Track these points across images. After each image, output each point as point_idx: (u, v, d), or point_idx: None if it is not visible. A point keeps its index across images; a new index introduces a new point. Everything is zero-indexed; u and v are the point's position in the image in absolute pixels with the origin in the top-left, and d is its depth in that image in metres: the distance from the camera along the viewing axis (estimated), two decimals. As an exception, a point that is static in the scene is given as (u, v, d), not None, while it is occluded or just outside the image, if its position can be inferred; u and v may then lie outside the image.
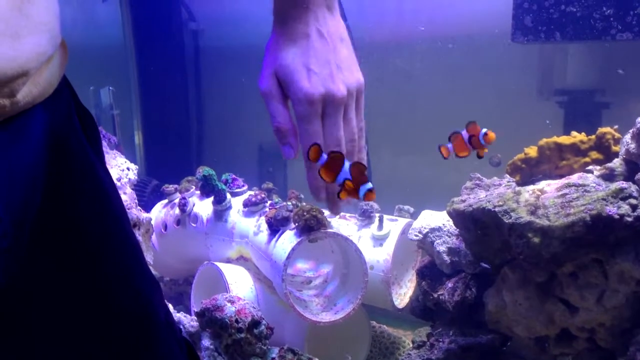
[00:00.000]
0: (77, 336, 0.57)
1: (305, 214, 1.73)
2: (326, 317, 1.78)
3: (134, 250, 0.64)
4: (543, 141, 1.59)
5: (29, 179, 0.51)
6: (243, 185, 2.13)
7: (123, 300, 0.61)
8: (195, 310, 1.73)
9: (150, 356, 0.63)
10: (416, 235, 1.81)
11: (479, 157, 1.27)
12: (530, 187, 1.54)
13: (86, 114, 0.64)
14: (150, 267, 2.13)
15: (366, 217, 1.97)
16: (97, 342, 0.59)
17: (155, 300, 0.65)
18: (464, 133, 1.25)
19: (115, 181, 1.79)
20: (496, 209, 1.48)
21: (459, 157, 1.26)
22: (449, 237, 1.76)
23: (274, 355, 1.66)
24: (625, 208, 1.36)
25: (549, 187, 1.51)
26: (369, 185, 0.84)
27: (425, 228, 1.80)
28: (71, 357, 0.57)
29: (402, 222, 1.95)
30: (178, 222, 2.15)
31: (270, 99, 0.69)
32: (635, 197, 1.38)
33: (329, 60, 0.68)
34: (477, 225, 1.55)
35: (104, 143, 1.91)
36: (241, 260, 2.01)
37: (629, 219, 1.35)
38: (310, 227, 1.73)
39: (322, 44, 0.69)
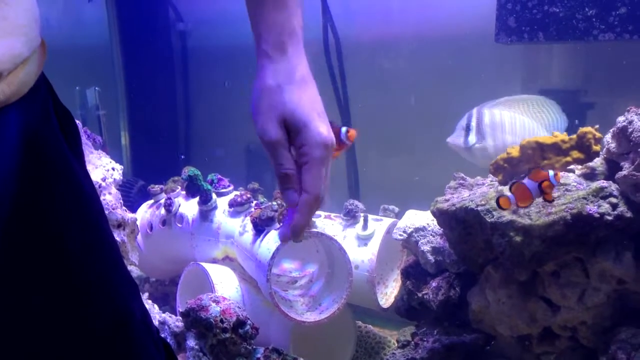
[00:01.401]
0: (53, 338, 0.57)
1: (289, 213, 1.73)
2: (311, 316, 1.78)
3: (111, 252, 0.64)
4: (525, 141, 1.60)
5: (2, 178, 0.51)
6: (229, 186, 2.13)
7: (99, 301, 0.60)
8: (181, 310, 1.73)
9: (127, 358, 0.63)
10: (401, 235, 1.81)
11: (548, 200, 1.36)
12: (513, 187, 1.55)
13: (65, 113, 0.63)
14: (136, 268, 2.13)
15: (351, 216, 1.98)
16: (73, 344, 0.58)
17: (132, 302, 0.65)
18: (528, 182, 1.32)
19: (100, 181, 1.78)
20: (479, 208, 1.49)
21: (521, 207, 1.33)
22: (433, 236, 1.76)
23: (259, 355, 1.66)
24: (605, 207, 1.37)
25: (531, 186, 1.52)
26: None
27: (409, 228, 1.80)
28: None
29: (387, 221, 1.96)
30: (164, 222, 2.15)
31: (279, 147, 0.68)
32: (615, 196, 1.39)
33: (321, 103, 0.70)
34: (461, 224, 1.56)
35: (89, 143, 1.91)
36: (227, 260, 2.01)
37: (609, 218, 1.36)
38: (295, 227, 1.72)
39: (314, 86, 0.70)
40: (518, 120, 1.85)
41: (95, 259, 0.61)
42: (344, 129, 0.98)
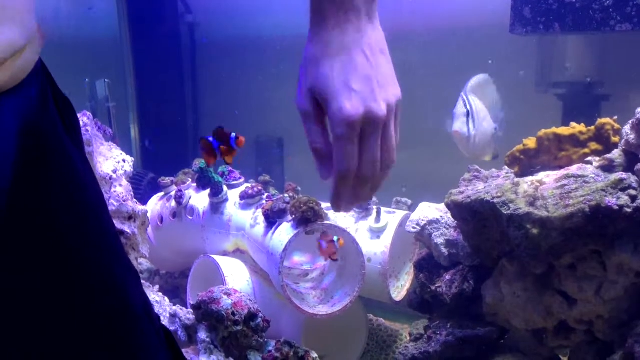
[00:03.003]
0: (52, 325, 0.56)
1: (302, 206, 1.71)
2: (323, 309, 1.77)
3: (111, 240, 0.63)
4: (542, 132, 1.58)
5: None
6: (240, 178, 2.12)
7: (98, 291, 0.60)
8: (192, 303, 1.72)
9: (127, 347, 0.63)
10: (414, 228, 1.80)
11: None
12: (529, 179, 1.53)
13: (65, 101, 0.63)
14: (146, 260, 2.12)
15: (364, 209, 1.96)
16: (72, 334, 0.58)
17: (132, 291, 0.64)
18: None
19: (110, 173, 1.77)
20: (494, 200, 1.47)
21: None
22: (447, 229, 1.75)
23: (270, 348, 1.65)
24: (624, 199, 1.35)
25: (548, 178, 1.50)
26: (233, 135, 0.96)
27: (423, 220, 1.79)
28: (45, 351, 0.56)
29: (400, 214, 1.94)
30: (174, 214, 2.14)
31: (307, 119, 0.66)
32: (634, 188, 1.37)
33: (370, 77, 0.65)
34: (476, 217, 1.54)
35: (100, 135, 1.90)
36: (238, 253, 2.00)
37: (628, 210, 1.34)
38: (307, 219, 1.71)
39: (363, 58, 0.66)
40: (483, 108, 1.81)
41: (94, 246, 0.60)
42: (233, 134, 0.94)
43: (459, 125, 1.72)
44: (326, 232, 1.63)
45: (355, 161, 0.65)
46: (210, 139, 1.19)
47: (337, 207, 0.69)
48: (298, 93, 0.66)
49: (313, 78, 0.65)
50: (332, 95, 0.64)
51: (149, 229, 2.02)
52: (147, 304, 0.67)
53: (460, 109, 1.74)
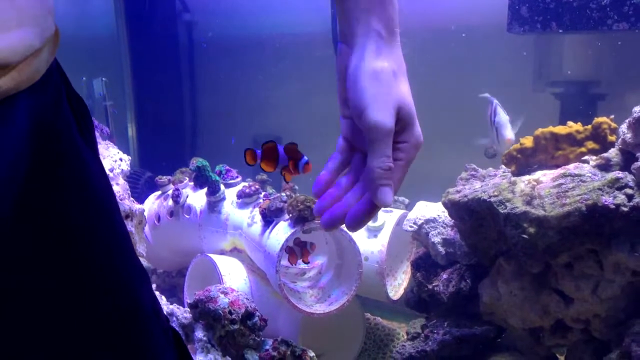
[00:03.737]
0: (61, 325, 0.56)
1: (299, 204, 1.71)
2: (320, 308, 1.77)
3: (121, 239, 0.63)
4: (539, 131, 1.58)
5: (10, 163, 0.50)
6: (237, 177, 2.12)
7: (108, 289, 0.60)
8: (189, 301, 1.72)
9: (136, 347, 0.62)
10: (411, 227, 1.80)
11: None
12: (526, 177, 1.53)
13: (79, 102, 0.62)
14: (144, 259, 2.12)
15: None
16: (81, 333, 0.57)
17: (142, 291, 0.64)
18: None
19: (107, 172, 1.77)
20: (491, 199, 1.47)
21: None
22: (444, 228, 1.75)
23: (267, 347, 1.65)
24: (621, 198, 1.35)
25: (545, 177, 1.51)
26: (305, 158, 0.99)
27: (420, 219, 1.79)
28: (54, 350, 0.56)
29: (397, 213, 1.94)
30: (171, 213, 2.14)
31: (389, 138, 0.60)
32: (631, 187, 1.37)
33: None
34: (473, 215, 1.54)
35: (97, 134, 1.90)
36: (235, 251, 2.00)
37: (625, 209, 1.34)
38: (304, 218, 1.71)
39: None
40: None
41: (104, 246, 0.60)
42: (305, 157, 0.94)
43: (510, 133, 1.75)
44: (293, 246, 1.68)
45: None
46: (281, 149, 1.15)
47: (357, 228, 0.64)
48: (376, 108, 0.60)
49: (400, 96, 0.61)
50: (415, 119, 0.62)
51: (146, 228, 2.02)
52: (156, 304, 0.66)
53: (503, 117, 1.77)
